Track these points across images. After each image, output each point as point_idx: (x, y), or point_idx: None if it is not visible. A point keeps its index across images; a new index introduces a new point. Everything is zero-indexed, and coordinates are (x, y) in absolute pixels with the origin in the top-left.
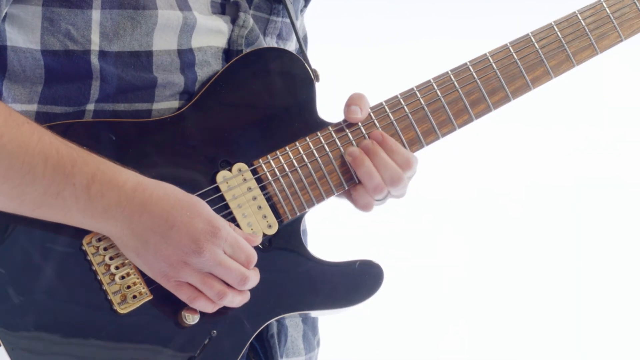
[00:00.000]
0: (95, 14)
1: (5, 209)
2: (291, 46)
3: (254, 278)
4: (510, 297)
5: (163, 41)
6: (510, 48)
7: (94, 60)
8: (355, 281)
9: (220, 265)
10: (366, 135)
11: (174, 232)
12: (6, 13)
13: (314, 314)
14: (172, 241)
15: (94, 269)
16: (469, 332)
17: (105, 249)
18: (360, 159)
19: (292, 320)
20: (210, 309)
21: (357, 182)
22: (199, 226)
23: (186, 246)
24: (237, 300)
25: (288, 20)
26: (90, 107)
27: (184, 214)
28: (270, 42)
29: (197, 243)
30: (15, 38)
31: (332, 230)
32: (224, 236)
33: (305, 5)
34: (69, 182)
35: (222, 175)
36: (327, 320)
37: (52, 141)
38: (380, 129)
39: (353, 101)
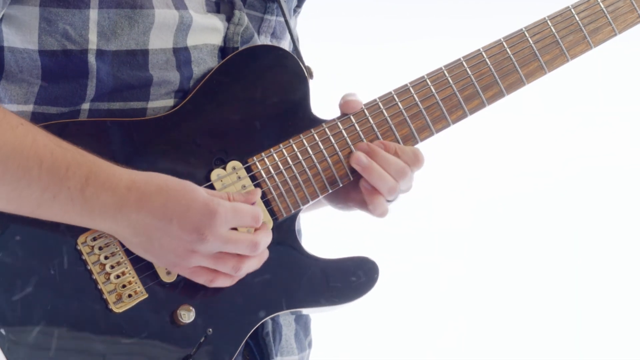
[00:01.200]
0: (93, 14)
1: (6, 210)
2: (285, 45)
3: (264, 238)
4: (507, 295)
5: (159, 40)
6: (504, 43)
7: (91, 59)
8: (350, 278)
9: (227, 243)
10: (361, 133)
11: (173, 226)
12: (3, 14)
13: (308, 311)
14: (174, 234)
15: (88, 268)
16: (465, 332)
17: (100, 248)
18: (369, 165)
19: (286, 320)
20: (230, 282)
21: (351, 179)
22: (197, 214)
23: (188, 236)
24: (254, 264)
25: (282, 19)
26: (86, 106)
27: (180, 204)
28: (265, 40)
29: (198, 231)
30: (13, 39)
31: (326, 228)
32: (222, 214)
33: (299, 6)
34: (64, 185)
35: (216, 173)
36: (320, 321)
37: (46, 143)
38: (374, 125)
39: (346, 95)
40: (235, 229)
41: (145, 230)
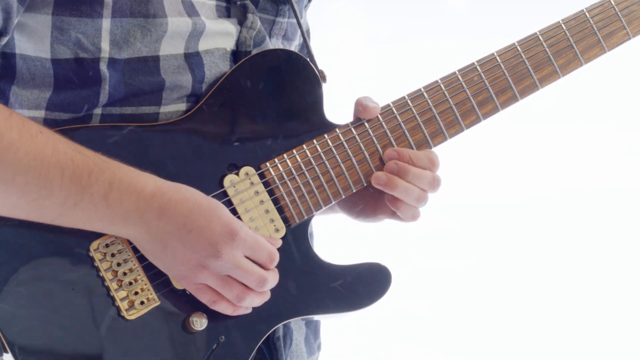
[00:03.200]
0: (106, 23)
1: (26, 219)
2: (295, 45)
3: (272, 279)
4: (516, 299)
5: (170, 46)
6: (518, 47)
7: (103, 67)
8: (363, 284)
9: (239, 268)
10: (374, 139)
11: (192, 236)
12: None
13: (320, 317)
14: (190, 245)
15: (101, 275)
16: (472, 334)
17: (112, 255)
18: (391, 182)
19: (296, 324)
20: (230, 311)
21: (365, 184)
22: (217, 230)
23: (204, 250)
24: (256, 301)
25: (293, 21)
26: (98, 111)
27: (202, 217)
28: (276, 43)
29: (215, 247)
30: (25, 46)
31: (339, 233)
32: (242, 238)
33: (309, 1)
34: (87, 192)
35: (229, 179)
36: (329, 323)
37: (66, 151)
38: (387, 130)
39: (363, 100)
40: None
41: (162, 238)
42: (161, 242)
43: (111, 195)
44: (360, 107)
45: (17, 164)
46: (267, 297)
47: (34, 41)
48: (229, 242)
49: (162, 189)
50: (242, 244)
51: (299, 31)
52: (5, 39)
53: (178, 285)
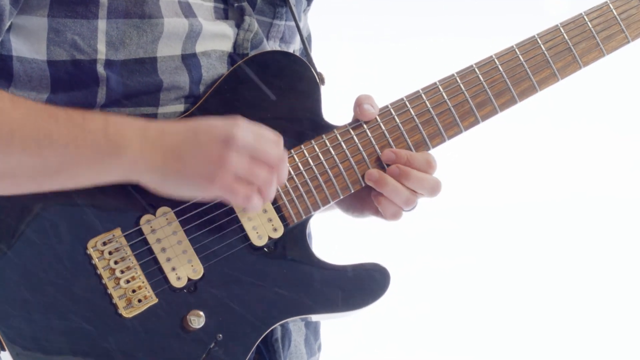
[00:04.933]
0: (101, 24)
1: (31, 184)
2: (294, 49)
3: (285, 157)
4: (519, 301)
5: (167, 47)
6: (517, 50)
7: (100, 69)
8: (362, 284)
9: (257, 144)
10: (372, 140)
11: (201, 135)
12: (11, 23)
13: (318, 317)
14: (203, 143)
15: (98, 273)
16: (471, 334)
17: (110, 252)
18: (381, 180)
19: (296, 325)
20: (261, 203)
21: (363, 185)
22: (220, 123)
23: (218, 140)
24: (283, 178)
25: (291, 24)
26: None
27: (203, 121)
28: (274, 45)
29: (226, 134)
30: (21, 48)
31: (338, 233)
32: (244, 123)
33: (308, 5)
34: (85, 129)
35: None
36: (329, 324)
37: (56, 107)
38: (386, 131)
39: (363, 100)
40: None
41: (173, 148)
42: (174, 153)
43: (109, 129)
44: (358, 108)
45: (12, 122)
46: (284, 175)
47: (30, 43)
48: (235, 125)
49: (153, 120)
50: (246, 127)
51: (298, 34)
52: None
53: (176, 282)
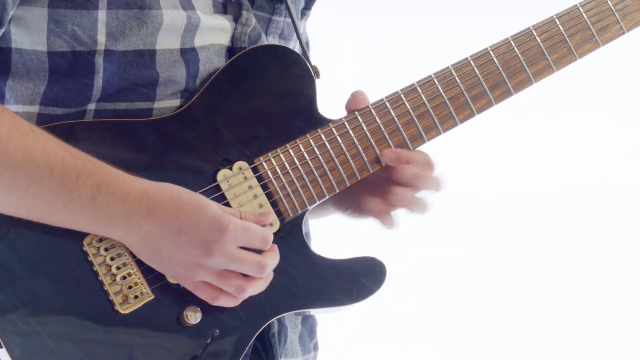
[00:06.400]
0: (102, 15)
1: (15, 216)
2: (293, 46)
3: (271, 261)
4: (516, 296)
5: (167, 40)
6: (512, 42)
7: (99, 60)
8: (358, 279)
9: (234, 261)
10: (368, 133)
11: (182, 238)
12: (12, 15)
13: (315, 311)
14: (182, 246)
15: (95, 269)
16: (472, 333)
17: (106, 249)
18: (400, 158)
19: (292, 322)
20: (233, 303)
21: (359, 178)
22: (205, 228)
23: (196, 249)
24: (259, 287)
25: (289, 20)
26: (92, 106)
27: (189, 217)
28: (272, 41)
29: (206, 245)
30: (21, 40)
31: (334, 227)
32: (232, 231)
33: (307, 8)
34: (75, 194)
35: (222, 174)
36: (325, 320)
37: (56, 150)
38: (381, 125)
39: (357, 94)
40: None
41: (153, 241)
42: (154, 244)
43: (99, 198)
44: (350, 97)
45: (5, 160)
46: (270, 279)
47: (30, 34)
48: (219, 238)
49: (148, 192)
50: (232, 237)
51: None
52: (0, 31)
53: (172, 279)
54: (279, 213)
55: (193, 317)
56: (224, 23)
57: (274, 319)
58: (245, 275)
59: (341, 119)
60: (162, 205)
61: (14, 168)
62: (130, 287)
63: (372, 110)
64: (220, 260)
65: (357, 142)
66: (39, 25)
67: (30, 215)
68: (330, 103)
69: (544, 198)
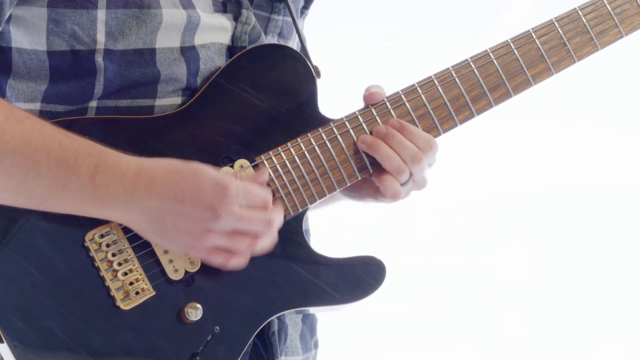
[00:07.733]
0: (101, 14)
1: (15, 204)
2: (292, 45)
3: (277, 216)
4: (515, 297)
5: (166, 39)
6: (511, 44)
7: (99, 59)
8: (357, 277)
9: (242, 220)
10: (367, 132)
11: (186, 206)
12: (11, 14)
13: (315, 310)
14: (187, 215)
15: (96, 265)
16: (472, 333)
17: (107, 245)
18: (375, 145)
19: (292, 320)
20: (244, 263)
21: (359, 178)
22: (209, 192)
23: (203, 215)
24: (268, 243)
25: (289, 19)
26: (93, 104)
27: (191, 185)
28: (272, 40)
29: (211, 209)
30: (21, 39)
31: (335, 226)
32: (234, 192)
33: (306, 7)
34: (74, 174)
35: (224, 172)
36: (326, 319)
37: (53, 134)
38: (381, 125)
39: (372, 87)
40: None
41: (158, 215)
42: (158, 219)
43: (97, 177)
44: (367, 92)
45: (3, 146)
46: (275, 236)
47: (29, 34)
48: (223, 199)
49: (144, 168)
50: (235, 197)
51: (295, 30)
52: None
53: (174, 275)
54: None
55: (194, 313)
56: (224, 22)
57: (274, 317)
58: (253, 234)
59: (342, 119)
60: (160, 178)
61: (12, 153)
62: (131, 283)
63: (373, 110)
64: (228, 220)
65: (357, 142)
66: (38, 25)
67: (30, 200)
68: (330, 103)
69: (544, 198)
